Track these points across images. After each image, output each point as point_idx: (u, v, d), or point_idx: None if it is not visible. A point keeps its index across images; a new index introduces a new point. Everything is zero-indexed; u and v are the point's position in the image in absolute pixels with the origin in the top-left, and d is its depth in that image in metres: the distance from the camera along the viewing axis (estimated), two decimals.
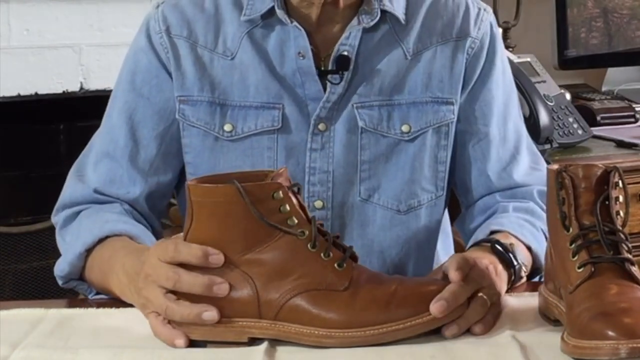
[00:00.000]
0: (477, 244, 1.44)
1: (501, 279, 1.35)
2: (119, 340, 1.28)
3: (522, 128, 1.65)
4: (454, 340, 1.24)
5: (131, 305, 1.38)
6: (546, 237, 1.49)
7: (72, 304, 1.44)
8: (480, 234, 1.49)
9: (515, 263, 1.39)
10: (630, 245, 1.24)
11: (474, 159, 1.60)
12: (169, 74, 1.56)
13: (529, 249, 1.46)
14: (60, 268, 1.50)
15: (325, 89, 1.53)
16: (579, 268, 1.22)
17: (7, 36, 2.71)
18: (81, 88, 2.81)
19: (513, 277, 1.39)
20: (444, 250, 1.67)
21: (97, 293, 1.50)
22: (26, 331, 1.31)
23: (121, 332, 1.30)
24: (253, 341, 1.24)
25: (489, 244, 1.41)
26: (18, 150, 2.90)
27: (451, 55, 1.57)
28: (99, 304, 1.42)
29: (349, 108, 1.54)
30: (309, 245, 1.24)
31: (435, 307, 1.22)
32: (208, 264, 1.23)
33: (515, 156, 1.61)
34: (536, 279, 1.50)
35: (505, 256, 1.39)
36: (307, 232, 1.24)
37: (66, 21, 2.77)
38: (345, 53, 1.53)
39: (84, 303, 1.45)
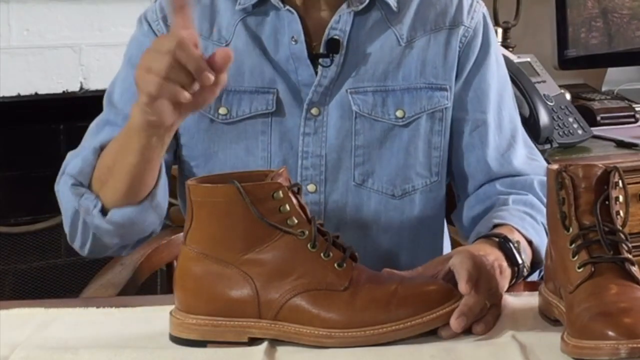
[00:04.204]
0: (485, 237, 1.44)
1: (504, 278, 1.35)
2: (119, 340, 1.28)
3: (517, 120, 1.66)
4: (454, 340, 1.24)
5: (131, 305, 1.38)
6: (546, 231, 1.49)
7: (72, 304, 1.44)
8: (482, 228, 1.49)
9: (520, 262, 1.40)
10: (630, 245, 1.24)
11: (472, 145, 1.61)
12: None
13: (530, 243, 1.46)
14: (73, 164, 1.51)
15: (317, 74, 1.55)
16: (579, 268, 1.22)
17: (7, 36, 2.71)
18: (81, 88, 2.81)
19: (516, 275, 1.39)
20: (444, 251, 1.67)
21: (102, 208, 1.49)
22: (26, 331, 1.31)
23: (121, 332, 1.30)
24: (253, 341, 1.24)
25: (497, 240, 1.41)
26: (18, 150, 2.90)
27: (444, 42, 1.59)
28: (99, 304, 1.42)
29: (342, 93, 1.56)
30: (308, 245, 1.24)
31: (457, 323, 1.23)
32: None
33: (512, 144, 1.62)
34: (535, 274, 1.50)
35: (512, 254, 1.39)
36: (307, 232, 1.24)
37: (66, 21, 2.77)
38: (336, 37, 1.56)
39: (84, 303, 1.45)
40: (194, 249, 1.26)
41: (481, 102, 1.61)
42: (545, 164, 1.64)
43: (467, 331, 1.26)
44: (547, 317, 1.31)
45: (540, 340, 1.24)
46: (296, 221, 1.24)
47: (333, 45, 1.56)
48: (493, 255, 1.36)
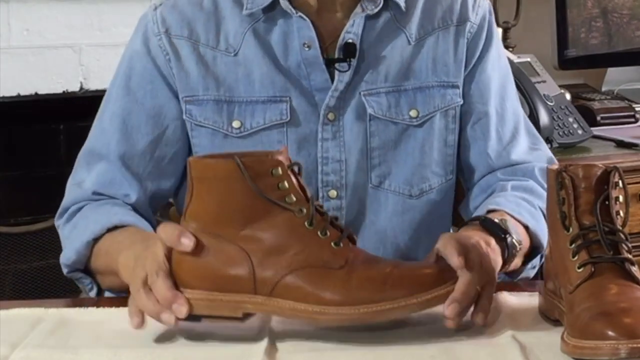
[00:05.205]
0: (467, 224, 1.43)
1: (493, 251, 1.34)
2: (119, 340, 1.28)
3: (520, 110, 1.67)
4: (454, 340, 1.24)
5: None
6: (544, 216, 1.49)
7: (72, 304, 1.44)
8: (477, 214, 1.49)
9: (506, 236, 1.38)
10: (630, 245, 1.24)
11: (474, 138, 1.61)
12: (165, 79, 1.56)
13: (527, 228, 1.46)
14: (67, 256, 1.50)
15: (331, 79, 1.54)
16: (579, 268, 1.22)
17: (7, 36, 2.71)
18: (81, 88, 2.82)
19: (507, 251, 1.38)
20: None
21: (99, 290, 1.50)
22: (26, 331, 1.31)
23: (121, 332, 1.30)
24: (247, 316, 1.24)
25: (477, 222, 1.40)
26: (18, 150, 2.90)
27: (453, 40, 1.60)
28: (99, 304, 1.42)
29: (356, 96, 1.56)
30: (306, 223, 1.23)
31: (449, 310, 1.21)
32: (179, 244, 1.23)
33: (515, 136, 1.63)
34: (537, 259, 1.50)
35: (495, 231, 1.38)
36: (305, 210, 1.23)
37: (66, 21, 2.77)
38: (351, 41, 1.55)
39: (84, 303, 1.45)
40: (192, 225, 1.25)
41: (483, 94, 1.61)
42: (548, 152, 1.66)
43: (467, 331, 1.26)
44: (547, 317, 1.31)
45: (540, 340, 1.24)
46: (294, 199, 1.24)
47: (349, 50, 1.54)
48: (477, 235, 1.34)
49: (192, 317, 1.24)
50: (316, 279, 1.22)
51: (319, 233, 1.24)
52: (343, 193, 1.56)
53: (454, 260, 1.23)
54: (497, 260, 1.34)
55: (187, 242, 1.23)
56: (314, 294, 1.22)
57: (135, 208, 1.56)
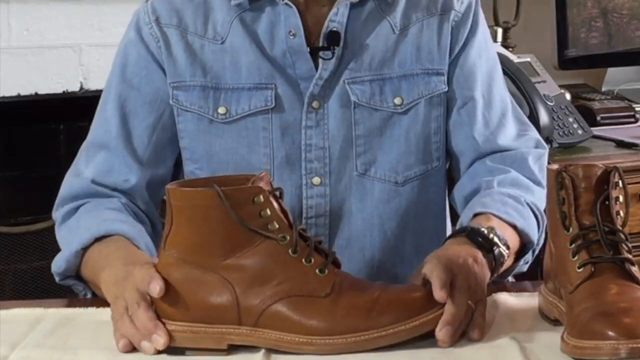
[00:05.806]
0: (453, 236, 1.43)
1: (482, 266, 1.34)
2: None
3: (508, 98, 1.67)
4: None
5: None
6: (532, 209, 1.49)
7: (71, 304, 1.45)
8: (464, 218, 1.49)
9: (493, 248, 1.38)
10: (630, 245, 1.24)
11: (460, 123, 1.61)
12: (159, 64, 1.59)
13: (515, 227, 1.46)
14: (58, 265, 1.51)
15: (316, 67, 1.56)
16: (579, 268, 1.22)
17: (7, 36, 2.71)
18: (81, 88, 2.81)
19: (494, 262, 1.38)
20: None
21: (93, 293, 1.50)
22: (25, 331, 1.31)
23: None
24: (232, 348, 1.23)
25: (464, 234, 1.40)
26: (18, 150, 2.90)
27: (437, 28, 1.60)
28: (99, 304, 1.41)
29: (340, 84, 1.57)
30: (290, 251, 1.22)
31: (442, 334, 1.22)
32: (148, 290, 1.24)
33: (502, 121, 1.63)
34: (529, 255, 1.50)
35: (481, 243, 1.38)
36: (288, 237, 1.22)
37: (66, 21, 2.77)
38: (335, 29, 1.56)
39: (84, 302, 1.45)
40: (173, 254, 1.24)
41: (468, 80, 1.62)
42: (537, 135, 1.65)
43: (466, 333, 1.25)
44: (547, 317, 1.31)
45: (540, 340, 1.24)
46: (277, 226, 1.23)
47: (333, 38, 1.56)
48: (464, 251, 1.34)
49: (175, 350, 1.23)
50: (302, 308, 1.21)
51: (303, 260, 1.22)
52: (327, 180, 1.56)
53: (436, 293, 1.23)
54: (485, 274, 1.34)
55: (156, 289, 1.23)
56: (300, 323, 1.20)
57: (132, 195, 1.57)
